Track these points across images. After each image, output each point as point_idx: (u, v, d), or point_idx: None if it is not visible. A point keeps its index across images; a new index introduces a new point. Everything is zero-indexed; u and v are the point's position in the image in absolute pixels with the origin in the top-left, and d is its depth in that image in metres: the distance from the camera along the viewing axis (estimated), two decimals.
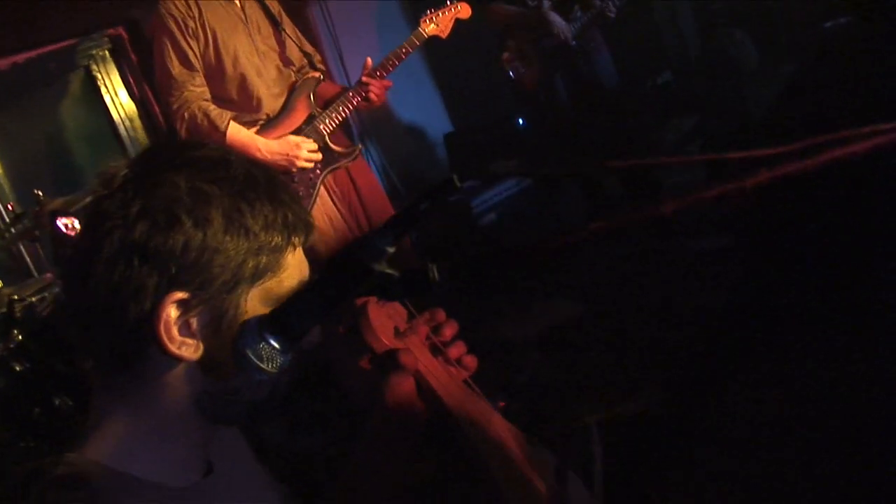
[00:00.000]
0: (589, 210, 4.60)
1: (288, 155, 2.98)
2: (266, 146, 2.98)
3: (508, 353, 3.51)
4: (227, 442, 1.12)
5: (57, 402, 2.68)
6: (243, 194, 0.89)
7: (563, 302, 3.75)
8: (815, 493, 2.12)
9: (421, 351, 1.15)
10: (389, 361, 1.10)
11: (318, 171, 3.09)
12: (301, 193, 3.08)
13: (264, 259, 0.90)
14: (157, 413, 0.92)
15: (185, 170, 0.88)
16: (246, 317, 0.90)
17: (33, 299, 2.79)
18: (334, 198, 3.19)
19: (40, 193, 3.00)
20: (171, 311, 0.86)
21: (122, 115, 4.74)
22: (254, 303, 0.91)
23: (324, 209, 3.14)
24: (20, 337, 2.59)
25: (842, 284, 2.75)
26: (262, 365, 0.87)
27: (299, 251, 0.97)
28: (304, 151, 3.00)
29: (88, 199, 2.69)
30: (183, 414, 0.93)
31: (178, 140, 0.90)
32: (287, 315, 0.87)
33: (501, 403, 1.22)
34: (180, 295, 0.86)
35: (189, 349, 0.88)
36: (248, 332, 0.87)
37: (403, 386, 1.11)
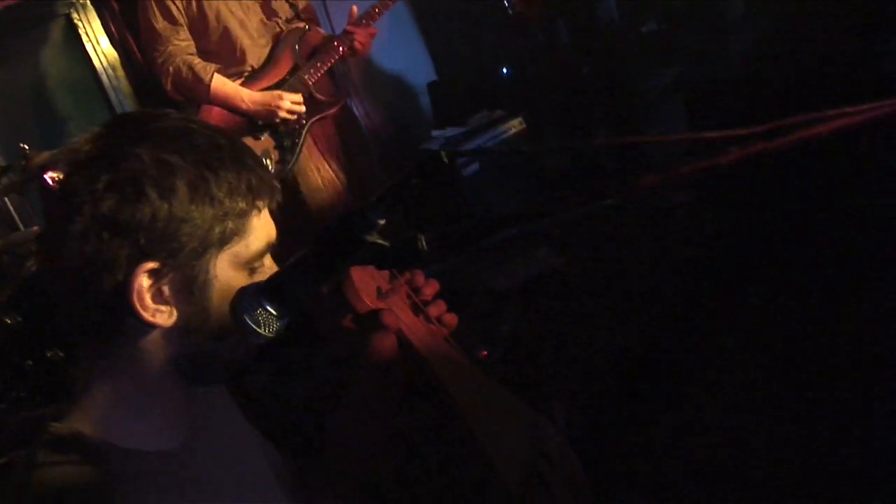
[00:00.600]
0: (570, 161, 4.63)
1: (271, 106, 2.99)
2: (250, 97, 2.99)
3: (490, 303, 3.57)
4: (213, 401, 1.16)
5: (49, 354, 2.72)
6: (207, 162, 0.92)
7: (543, 252, 3.80)
8: (791, 432, 2.21)
9: (402, 310, 1.19)
10: (372, 321, 1.14)
11: (303, 122, 3.10)
12: (287, 144, 3.10)
13: (230, 224, 0.94)
14: (137, 379, 0.95)
15: (149, 142, 0.90)
16: (218, 281, 0.94)
17: (22, 252, 2.80)
18: (321, 148, 3.21)
19: (26, 147, 2.99)
20: (144, 281, 0.89)
21: (105, 63, 4.68)
22: (224, 266, 0.95)
23: (311, 160, 3.16)
24: (10, 292, 2.62)
25: (807, 233, 2.83)
26: (259, 330, 0.90)
27: (265, 214, 1.00)
28: (287, 103, 3.01)
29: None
30: (162, 378, 0.97)
31: (139, 111, 0.92)
32: (283, 283, 0.91)
33: (483, 353, 1.25)
34: (151, 265, 0.89)
35: (163, 316, 0.91)
36: (245, 298, 0.90)
37: (386, 344, 1.15)
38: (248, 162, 0.96)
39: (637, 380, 2.71)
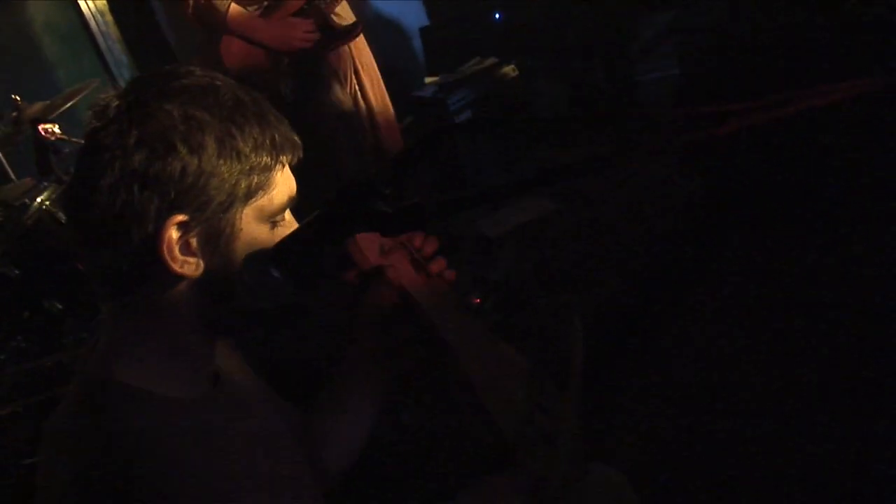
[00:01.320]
0: (566, 105, 4.62)
1: (286, 35, 2.96)
2: (263, 26, 2.96)
3: (483, 250, 3.60)
4: (229, 354, 1.20)
5: (46, 304, 2.75)
6: (233, 119, 0.94)
7: (535, 199, 3.82)
8: (775, 355, 2.30)
9: (404, 266, 1.23)
10: (375, 277, 1.19)
11: (320, 51, 3.07)
12: (303, 73, 3.07)
13: (256, 179, 0.96)
14: (163, 329, 0.98)
15: (177, 98, 0.92)
16: (243, 233, 0.96)
17: (17, 204, 2.80)
18: (338, 77, 3.19)
19: (18, 99, 2.97)
20: (173, 233, 0.91)
21: (93, 8, 4.61)
22: (248, 220, 0.97)
23: (328, 88, 3.14)
24: (8, 243, 2.63)
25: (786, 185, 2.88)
26: (266, 294, 0.93)
27: (287, 169, 1.02)
28: (301, 31, 2.98)
29: (68, 106, 2.66)
30: (188, 328, 0.99)
31: (165, 68, 0.93)
32: (290, 249, 0.93)
33: (476, 300, 1.28)
34: (180, 217, 0.91)
35: (190, 267, 0.94)
36: (253, 264, 0.93)
37: (388, 298, 1.20)
38: (271, 118, 0.99)
39: (626, 325, 2.77)
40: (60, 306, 2.77)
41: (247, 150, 0.94)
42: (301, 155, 1.03)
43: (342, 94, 3.20)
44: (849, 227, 2.67)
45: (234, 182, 0.94)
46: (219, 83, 0.97)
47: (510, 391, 1.21)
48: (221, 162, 0.92)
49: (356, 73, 3.24)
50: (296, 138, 1.02)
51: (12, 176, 3.49)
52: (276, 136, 0.98)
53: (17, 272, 2.65)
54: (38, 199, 2.73)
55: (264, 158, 0.96)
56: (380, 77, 3.37)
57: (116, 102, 0.93)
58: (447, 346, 1.19)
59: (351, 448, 1.38)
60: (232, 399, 1.10)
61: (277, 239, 0.99)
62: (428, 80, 4.58)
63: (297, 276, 0.93)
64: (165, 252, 0.91)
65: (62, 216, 2.78)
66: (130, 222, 0.90)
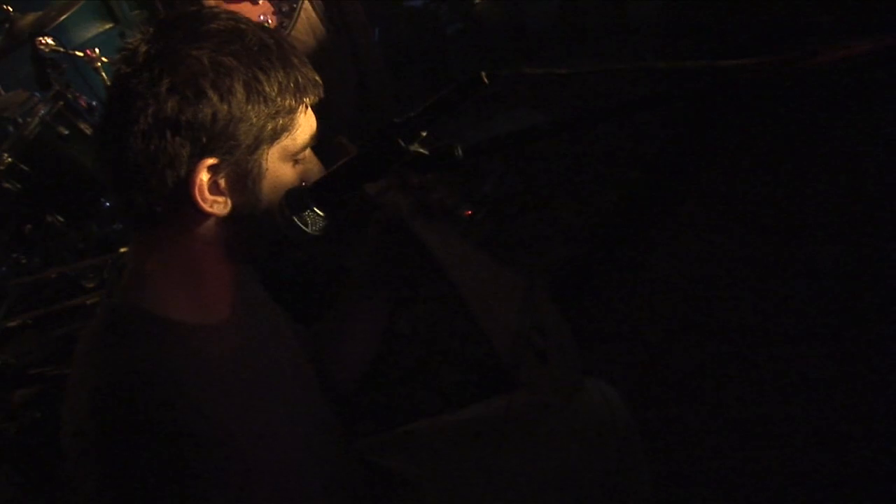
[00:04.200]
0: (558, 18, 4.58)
1: None
2: None
3: (472, 163, 3.62)
4: (246, 279, 1.26)
5: (49, 219, 2.78)
6: (259, 63, 0.99)
7: (524, 111, 3.83)
8: (755, 281, 2.39)
9: (406, 193, 1.28)
10: (379, 204, 1.25)
11: None
12: (285, 9, 3.05)
13: (281, 121, 1.01)
14: (191, 261, 1.04)
15: (205, 44, 0.96)
16: (268, 172, 1.02)
17: (19, 119, 2.80)
18: (318, 12, 3.17)
19: (10, 9, 2.93)
20: (203, 176, 0.97)
21: None
22: (273, 159, 1.02)
23: (308, 23, 3.12)
24: (10, 158, 2.63)
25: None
26: (306, 229, 1.00)
27: (309, 109, 1.07)
28: None
29: (62, 18, 2.61)
30: (213, 259, 1.05)
31: (189, 12, 0.95)
32: (329, 186, 0.99)
33: (468, 213, 1.34)
34: (211, 160, 0.97)
35: (219, 206, 1.00)
36: (294, 199, 0.99)
37: (391, 224, 1.28)
38: (294, 61, 1.03)
39: (613, 241, 2.84)
40: (62, 220, 2.80)
41: (273, 93, 0.99)
42: (322, 94, 1.07)
43: (322, 29, 3.18)
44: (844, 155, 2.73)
45: (261, 125, 0.99)
46: (244, 27, 1.01)
47: (506, 312, 1.27)
48: (249, 107, 0.97)
49: (340, 10, 3.21)
50: (317, 78, 1.06)
51: (1, 90, 3.46)
52: (300, 77, 1.02)
53: (18, 186, 2.67)
54: (41, 114, 2.72)
55: (289, 101, 1.01)
56: (364, 14, 3.35)
57: (145, 48, 0.96)
58: (445, 270, 1.25)
59: (357, 366, 1.46)
60: (255, 325, 1.16)
61: (300, 175, 1.05)
62: None
63: (334, 212, 0.99)
64: (197, 194, 0.97)
65: (64, 130, 2.78)
66: (164, 166, 0.96)
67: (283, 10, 3.01)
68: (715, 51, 3.21)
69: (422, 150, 0.93)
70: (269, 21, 3.01)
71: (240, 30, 1.00)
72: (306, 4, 3.09)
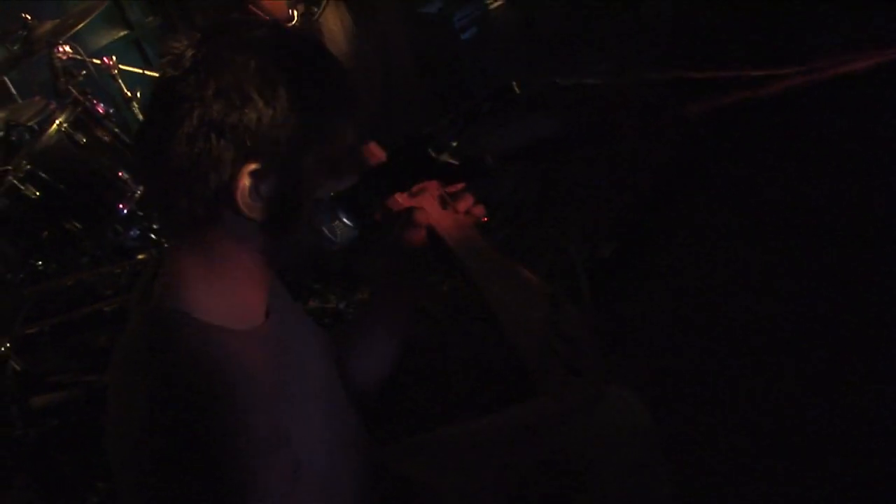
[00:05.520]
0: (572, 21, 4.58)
1: None
2: None
3: (489, 168, 3.62)
4: (276, 285, 1.27)
5: (66, 226, 2.79)
6: (303, 71, 0.99)
7: (539, 117, 3.83)
8: (776, 286, 2.39)
9: (432, 206, 1.30)
10: (405, 217, 1.25)
11: None
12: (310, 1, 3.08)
13: (323, 130, 1.02)
14: (227, 264, 1.04)
15: (251, 50, 0.97)
16: (308, 180, 1.02)
17: (36, 126, 2.82)
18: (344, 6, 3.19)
19: (28, 17, 2.95)
20: (246, 181, 0.97)
21: None
22: (314, 168, 1.02)
23: (336, 11, 3.14)
24: (28, 166, 2.65)
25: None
26: (334, 238, 1.00)
27: (350, 120, 1.06)
28: None
29: (80, 26, 2.60)
30: (250, 263, 1.06)
31: (234, 18, 0.97)
32: (358, 196, 0.99)
33: (484, 219, 1.35)
34: (254, 165, 0.97)
35: (259, 211, 1.00)
36: (323, 210, 0.99)
37: (417, 238, 1.27)
38: (336, 71, 1.04)
39: (632, 245, 2.84)
40: (79, 226, 2.82)
41: (316, 101, 1.00)
42: (360, 105, 1.08)
43: (348, 17, 3.20)
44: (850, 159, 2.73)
45: (304, 132, 0.99)
46: (289, 36, 1.02)
47: (532, 322, 1.28)
48: (293, 113, 0.97)
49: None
50: (357, 90, 1.07)
51: (17, 98, 3.48)
52: (342, 88, 1.03)
53: (37, 193, 2.69)
54: (58, 122, 2.74)
55: (331, 110, 1.02)
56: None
57: (192, 52, 0.97)
58: (472, 281, 1.26)
59: (379, 373, 1.47)
60: (282, 328, 1.17)
61: (339, 185, 1.05)
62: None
63: (364, 222, 1.00)
64: (239, 198, 0.97)
65: (82, 137, 2.80)
66: (208, 170, 0.96)
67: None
68: (727, 54, 3.21)
69: (452, 161, 0.94)
70: (298, 9, 3.02)
71: (285, 38, 1.02)
72: None
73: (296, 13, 3.00)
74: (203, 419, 0.89)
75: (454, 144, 0.93)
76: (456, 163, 0.93)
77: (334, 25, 3.14)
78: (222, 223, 1.01)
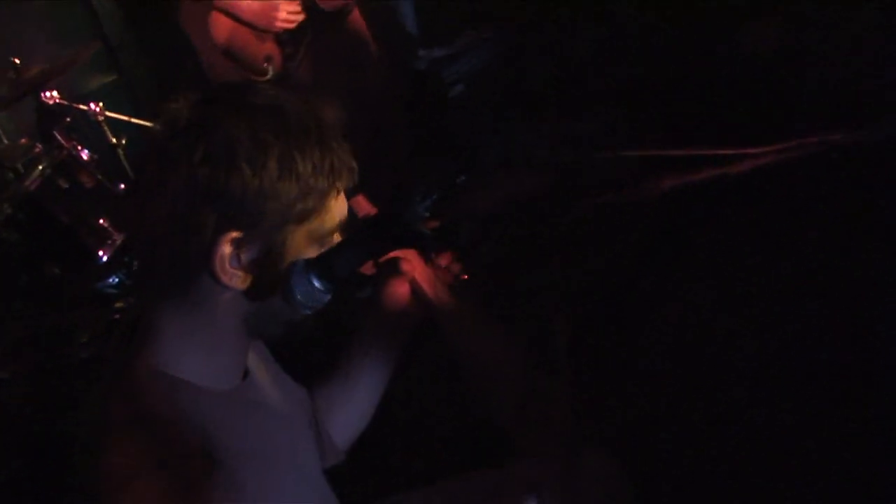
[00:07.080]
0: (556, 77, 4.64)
1: (268, 15, 3.00)
2: (248, 6, 3.00)
3: (471, 225, 3.63)
4: (256, 347, 1.26)
5: (46, 270, 2.78)
6: (296, 142, 0.98)
7: (524, 171, 3.85)
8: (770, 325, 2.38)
9: (415, 259, 1.31)
10: (390, 268, 1.26)
11: (304, 30, 3.11)
12: (289, 51, 3.11)
13: (311, 202, 1.01)
14: (206, 328, 1.04)
15: (246, 117, 0.97)
16: (291, 253, 1.02)
17: (21, 168, 2.81)
18: (324, 56, 3.21)
19: (17, 61, 2.96)
20: (226, 248, 0.97)
21: None
22: (298, 240, 1.02)
23: (314, 66, 3.17)
24: (9, 209, 2.64)
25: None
26: (306, 303, 1.00)
27: (341, 194, 1.07)
28: (284, 13, 3.02)
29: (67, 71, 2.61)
30: (228, 329, 1.06)
31: (234, 83, 0.98)
32: (332, 262, 0.99)
33: (464, 276, 1.36)
34: (235, 234, 0.97)
35: (238, 279, 0.99)
36: (296, 274, 0.99)
37: (402, 288, 1.30)
38: (332, 144, 1.03)
39: (612, 304, 2.84)
40: (58, 270, 2.80)
41: (306, 173, 0.99)
42: (356, 180, 1.07)
43: (327, 71, 3.22)
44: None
45: (290, 204, 0.98)
46: (287, 105, 1.01)
47: (509, 380, 1.29)
48: (281, 184, 0.97)
49: (351, 50, 3.26)
50: (353, 164, 1.06)
51: (3, 139, 3.47)
52: (335, 161, 1.02)
53: (17, 236, 2.68)
54: (41, 167, 2.74)
55: (321, 183, 1.01)
56: (371, 52, 3.39)
57: (186, 114, 0.97)
58: (451, 338, 1.27)
59: (357, 425, 1.47)
60: (259, 391, 1.17)
61: (320, 251, 1.05)
62: (422, 52, 4.59)
63: (336, 287, 0.99)
64: (217, 265, 0.97)
65: (64, 183, 2.80)
66: (188, 232, 0.96)
67: (287, 51, 3.07)
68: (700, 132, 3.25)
69: (425, 231, 0.94)
70: (275, 62, 3.05)
71: (281, 107, 1.01)
72: (311, 48, 3.13)
73: (271, 66, 3.04)
74: (161, 474, 0.88)
75: (427, 215, 0.93)
76: (429, 233, 0.94)
77: (313, 79, 3.16)
78: (201, 287, 1.00)
